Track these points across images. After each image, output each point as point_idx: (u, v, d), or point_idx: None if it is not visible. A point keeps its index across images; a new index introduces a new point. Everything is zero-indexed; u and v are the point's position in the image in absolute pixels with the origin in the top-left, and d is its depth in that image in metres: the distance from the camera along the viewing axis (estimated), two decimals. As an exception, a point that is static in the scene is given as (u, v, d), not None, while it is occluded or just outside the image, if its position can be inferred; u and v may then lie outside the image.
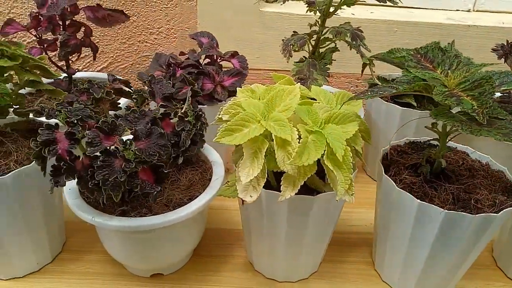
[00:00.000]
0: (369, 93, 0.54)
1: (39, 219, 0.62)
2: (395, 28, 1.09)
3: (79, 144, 0.46)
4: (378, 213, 0.65)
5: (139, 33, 1.08)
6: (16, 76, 0.60)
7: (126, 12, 0.84)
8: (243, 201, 0.51)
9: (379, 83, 0.83)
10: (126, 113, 0.51)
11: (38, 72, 0.58)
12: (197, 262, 0.69)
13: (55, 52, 0.80)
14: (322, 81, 0.72)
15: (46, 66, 0.58)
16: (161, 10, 1.06)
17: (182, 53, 0.84)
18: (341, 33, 0.72)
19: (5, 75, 0.55)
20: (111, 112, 0.57)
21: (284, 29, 1.09)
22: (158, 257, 0.63)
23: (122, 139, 0.46)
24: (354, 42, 0.73)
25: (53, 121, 0.50)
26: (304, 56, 0.84)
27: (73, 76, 0.87)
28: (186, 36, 1.09)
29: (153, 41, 1.09)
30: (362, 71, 0.88)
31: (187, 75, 0.77)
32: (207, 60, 0.84)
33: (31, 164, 0.56)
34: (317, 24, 0.80)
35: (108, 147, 0.45)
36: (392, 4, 0.76)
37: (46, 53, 0.82)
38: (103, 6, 0.82)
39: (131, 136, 0.48)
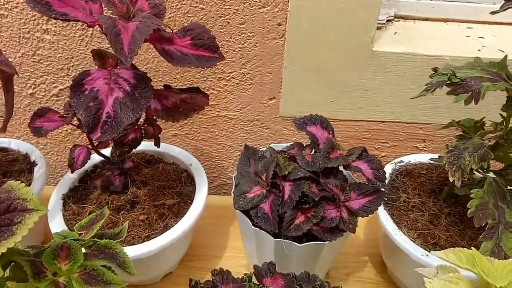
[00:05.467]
0: None
1: None
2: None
3: None
4: None
5: (204, 78, 0.81)
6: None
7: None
8: None
9: None
10: None
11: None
12: None
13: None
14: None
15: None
16: (234, 50, 0.77)
17: (288, 149, 0.58)
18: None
19: None
20: None
21: (402, 73, 0.79)
22: None
23: None
24: None
25: None
26: (473, 169, 0.56)
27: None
28: (266, 82, 0.81)
29: (222, 88, 0.82)
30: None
31: (303, 201, 0.51)
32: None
33: None
34: (495, 130, 0.52)
35: None
36: None
37: (96, 151, 0.58)
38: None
39: None
